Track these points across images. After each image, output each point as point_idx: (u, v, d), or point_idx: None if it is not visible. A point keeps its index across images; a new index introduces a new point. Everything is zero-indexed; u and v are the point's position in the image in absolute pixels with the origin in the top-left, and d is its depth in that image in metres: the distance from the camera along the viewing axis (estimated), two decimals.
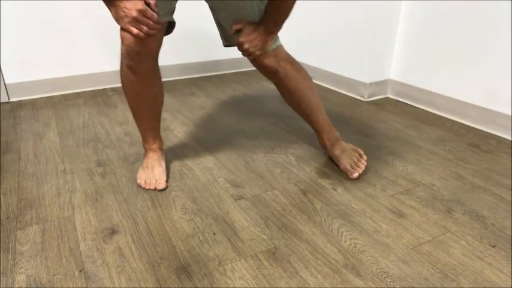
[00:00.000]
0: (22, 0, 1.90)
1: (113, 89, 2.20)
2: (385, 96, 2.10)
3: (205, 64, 2.51)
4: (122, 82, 1.15)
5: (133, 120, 1.26)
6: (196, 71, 2.50)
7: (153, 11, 0.97)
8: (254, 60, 1.18)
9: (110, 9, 1.00)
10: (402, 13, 1.92)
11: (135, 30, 0.97)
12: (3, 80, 1.97)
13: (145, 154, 1.28)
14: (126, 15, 0.96)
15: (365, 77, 2.02)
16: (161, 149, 1.30)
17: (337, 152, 1.33)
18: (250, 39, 1.11)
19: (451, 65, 1.76)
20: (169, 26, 1.11)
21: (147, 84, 1.14)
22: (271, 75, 1.23)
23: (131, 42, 1.00)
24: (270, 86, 2.25)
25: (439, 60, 1.81)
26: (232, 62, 2.59)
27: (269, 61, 1.17)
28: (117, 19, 0.99)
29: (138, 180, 1.24)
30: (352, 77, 2.10)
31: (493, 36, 1.57)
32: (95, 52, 2.15)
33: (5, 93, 1.99)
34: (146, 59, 1.07)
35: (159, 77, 1.18)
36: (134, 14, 0.95)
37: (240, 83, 2.33)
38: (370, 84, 2.02)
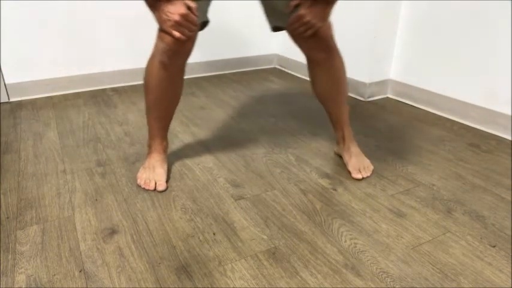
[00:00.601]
0: (22, 0, 1.90)
1: (113, 89, 2.20)
2: (385, 96, 2.10)
3: (205, 64, 2.51)
4: (149, 78, 1.16)
5: (146, 118, 1.25)
6: (196, 71, 2.50)
7: (194, 14, 1.00)
8: (313, 35, 1.12)
9: (153, 13, 1.03)
10: (402, 13, 1.92)
11: (177, 34, 1.01)
12: (3, 80, 1.97)
13: (148, 154, 1.28)
14: (169, 19, 1.00)
15: (365, 77, 2.02)
16: (165, 151, 1.30)
17: (354, 149, 1.33)
18: (311, 10, 1.07)
19: (451, 65, 1.76)
20: (202, 24, 1.14)
21: (174, 82, 1.18)
22: (323, 51, 1.19)
23: (170, 42, 1.04)
24: (270, 86, 2.25)
25: (439, 60, 1.81)
26: (232, 62, 2.59)
27: (329, 32, 1.15)
28: (160, 22, 1.03)
29: (138, 181, 1.24)
30: (352, 77, 2.10)
31: (493, 36, 1.57)
32: (95, 52, 2.16)
33: (5, 93, 1.99)
34: (181, 57, 1.11)
35: (183, 76, 1.21)
36: (177, 18, 0.99)
37: (240, 83, 2.33)
38: (370, 84, 2.02)
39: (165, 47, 1.06)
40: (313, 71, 1.26)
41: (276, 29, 1.19)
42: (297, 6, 1.09)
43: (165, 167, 1.27)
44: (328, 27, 1.14)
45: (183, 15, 0.99)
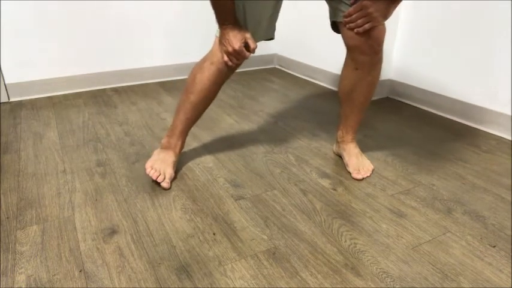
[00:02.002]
0: (22, 0, 1.90)
1: (113, 89, 2.20)
2: (385, 96, 2.10)
3: None
4: (200, 79, 1.20)
5: (176, 116, 1.27)
6: None
7: (249, 51, 1.10)
8: (368, 32, 1.09)
9: (220, 29, 1.11)
10: (402, 13, 1.92)
11: (225, 58, 1.13)
12: (3, 80, 1.97)
13: (165, 148, 1.29)
14: (224, 45, 1.10)
15: None
16: (179, 154, 1.32)
17: (355, 149, 1.34)
18: (375, 3, 1.04)
19: (451, 65, 1.76)
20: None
21: (219, 87, 1.25)
22: (369, 54, 1.15)
23: (224, 58, 1.15)
24: (270, 86, 2.25)
25: (439, 61, 1.81)
26: None
27: (383, 37, 1.12)
28: (219, 41, 1.13)
29: (148, 170, 1.23)
30: None
31: (493, 36, 1.57)
32: (94, 52, 2.16)
33: (5, 93, 1.99)
34: (237, 67, 1.20)
35: None
36: (230, 49, 1.09)
37: (240, 83, 2.33)
38: None
39: (222, 60, 1.15)
40: (349, 72, 1.23)
41: (334, 27, 1.18)
42: None
43: (174, 170, 1.28)
44: (384, 30, 1.12)
45: (235, 51, 1.09)
